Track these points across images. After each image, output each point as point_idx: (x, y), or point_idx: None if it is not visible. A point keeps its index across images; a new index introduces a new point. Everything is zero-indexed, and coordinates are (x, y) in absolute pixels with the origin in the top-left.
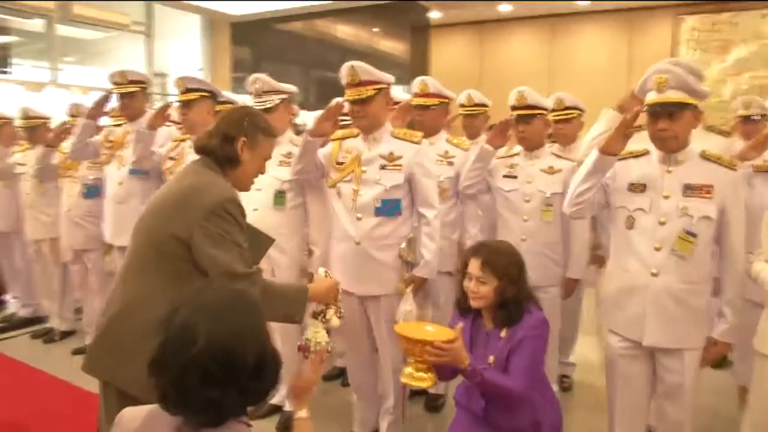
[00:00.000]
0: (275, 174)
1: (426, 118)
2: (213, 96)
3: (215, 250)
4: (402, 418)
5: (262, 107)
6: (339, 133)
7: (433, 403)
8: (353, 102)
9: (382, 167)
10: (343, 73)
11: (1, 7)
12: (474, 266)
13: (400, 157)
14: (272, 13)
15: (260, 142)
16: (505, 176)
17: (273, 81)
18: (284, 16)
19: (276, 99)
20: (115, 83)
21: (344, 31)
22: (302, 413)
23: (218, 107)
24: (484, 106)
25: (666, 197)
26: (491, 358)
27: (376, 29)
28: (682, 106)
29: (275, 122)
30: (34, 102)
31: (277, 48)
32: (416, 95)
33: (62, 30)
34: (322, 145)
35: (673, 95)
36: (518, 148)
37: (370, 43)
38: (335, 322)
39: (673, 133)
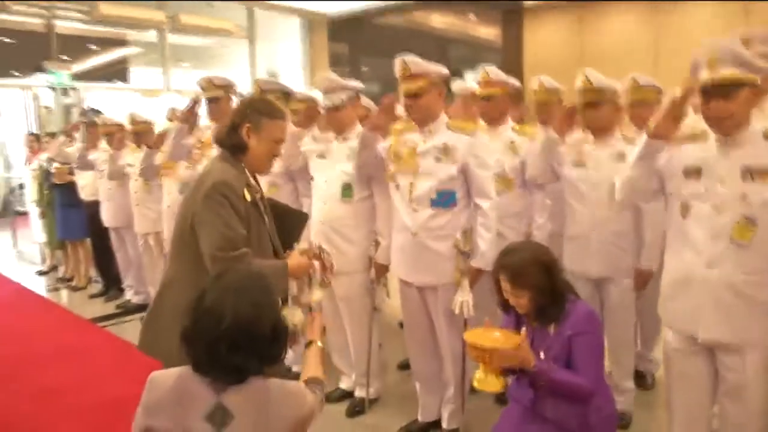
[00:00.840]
0: (342, 168)
1: (489, 107)
2: (285, 95)
3: (205, 235)
4: (462, 408)
5: (330, 104)
6: (399, 126)
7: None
8: (406, 95)
9: (437, 159)
10: (396, 67)
11: (120, 22)
12: (504, 284)
13: (454, 149)
14: (367, 9)
15: (265, 126)
16: (573, 164)
17: (339, 79)
18: (378, 11)
19: (343, 96)
20: (202, 88)
21: (438, 20)
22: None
23: (294, 106)
24: (558, 92)
25: (723, 182)
26: (542, 354)
27: (469, 16)
28: (736, 83)
29: (343, 118)
30: (150, 107)
31: (373, 42)
32: (480, 84)
33: (173, 39)
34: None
35: (727, 72)
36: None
37: (464, 30)
38: (318, 295)
39: (728, 113)
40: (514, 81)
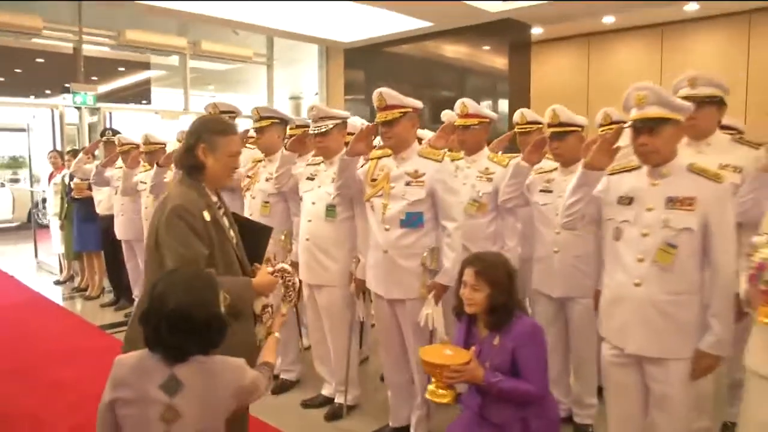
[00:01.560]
0: (327, 190)
1: (467, 137)
2: (283, 122)
3: (167, 257)
4: (428, 415)
5: (318, 131)
6: (377, 153)
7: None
8: (382, 124)
9: (407, 183)
10: (374, 98)
11: (144, 47)
12: (468, 275)
13: (423, 174)
14: (381, 38)
15: (219, 143)
16: (541, 190)
17: (327, 108)
18: (391, 41)
19: (330, 123)
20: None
21: (450, 50)
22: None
23: (291, 131)
24: (538, 123)
25: (649, 209)
26: (486, 364)
27: (479, 47)
28: (661, 121)
29: (329, 143)
30: (170, 128)
31: (387, 70)
32: (459, 116)
33: (200, 63)
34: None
35: (652, 111)
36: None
37: (476, 60)
38: (284, 308)
39: (653, 148)
40: (490, 113)
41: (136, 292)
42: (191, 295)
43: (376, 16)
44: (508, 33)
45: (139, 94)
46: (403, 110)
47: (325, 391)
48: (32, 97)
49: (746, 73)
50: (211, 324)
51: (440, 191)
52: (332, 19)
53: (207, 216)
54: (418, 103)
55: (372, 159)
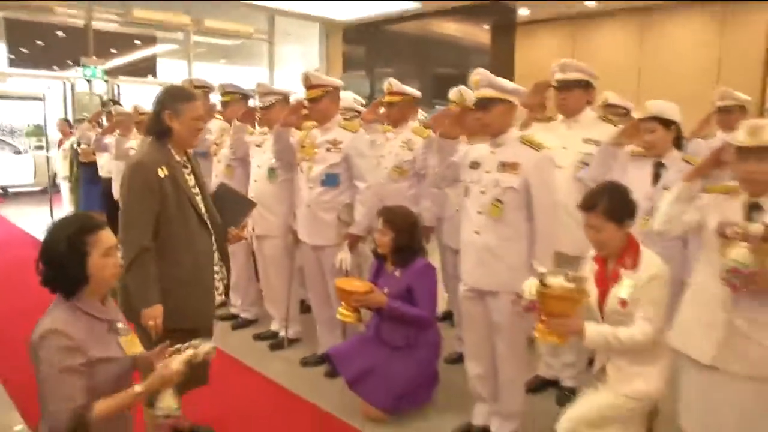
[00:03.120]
0: (270, 156)
1: (392, 112)
2: (245, 97)
3: (122, 214)
4: (343, 334)
5: (262, 106)
6: (308, 124)
7: None
8: (308, 100)
9: (327, 149)
10: (300, 79)
11: (150, 24)
12: (379, 223)
13: (341, 143)
14: (378, 17)
15: (183, 109)
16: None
17: (269, 85)
18: (386, 19)
19: (273, 98)
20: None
21: (440, 29)
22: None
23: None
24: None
25: (487, 172)
26: (386, 290)
27: (466, 26)
28: (492, 100)
29: (272, 116)
30: None
31: (383, 47)
32: (386, 93)
33: (207, 38)
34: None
35: (485, 92)
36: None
37: (462, 38)
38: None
39: (485, 122)
40: (412, 90)
41: None
42: (51, 237)
43: None
44: (494, 14)
45: (147, 67)
46: (325, 89)
47: (273, 327)
48: (55, 68)
49: (719, 56)
50: (53, 263)
51: (353, 156)
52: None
53: (162, 172)
54: (339, 82)
55: (304, 129)
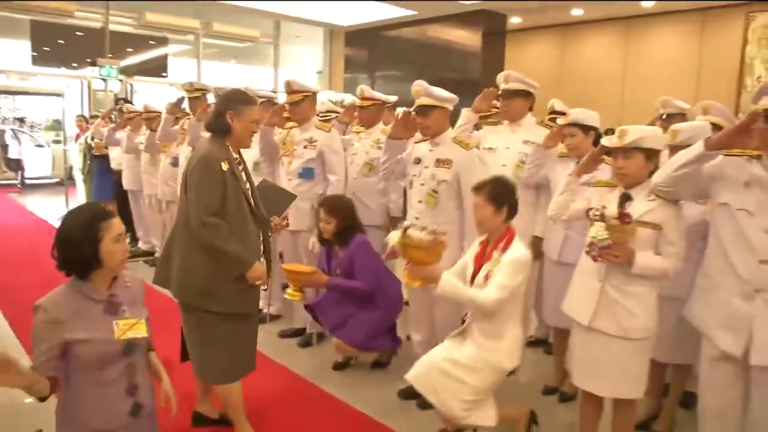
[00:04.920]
0: (255, 150)
1: (365, 115)
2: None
3: (191, 198)
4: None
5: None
6: (290, 124)
7: None
8: (289, 104)
9: (305, 147)
10: (283, 85)
11: (162, 28)
12: (322, 212)
13: (316, 141)
14: (377, 22)
15: (244, 111)
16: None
17: (254, 89)
18: (387, 25)
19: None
20: (186, 90)
21: (435, 35)
22: None
23: None
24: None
25: (426, 167)
26: (338, 270)
27: (458, 34)
28: (429, 108)
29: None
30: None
31: (383, 50)
32: (359, 98)
33: (207, 41)
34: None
35: (424, 100)
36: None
37: (453, 44)
38: None
39: (425, 125)
40: (382, 96)
41: (140, 233)
42: (66, 225)
43: (373, 3)
44: (485, 22)
45: (159, 66)
46: (304, 94)
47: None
48: (74, 65)
49: (698, 64)
50: (67, 247)
51: (326, 153)
52: (333, 5)
53: (225, 166)
54: (316, 88)
55: (286, 129)
